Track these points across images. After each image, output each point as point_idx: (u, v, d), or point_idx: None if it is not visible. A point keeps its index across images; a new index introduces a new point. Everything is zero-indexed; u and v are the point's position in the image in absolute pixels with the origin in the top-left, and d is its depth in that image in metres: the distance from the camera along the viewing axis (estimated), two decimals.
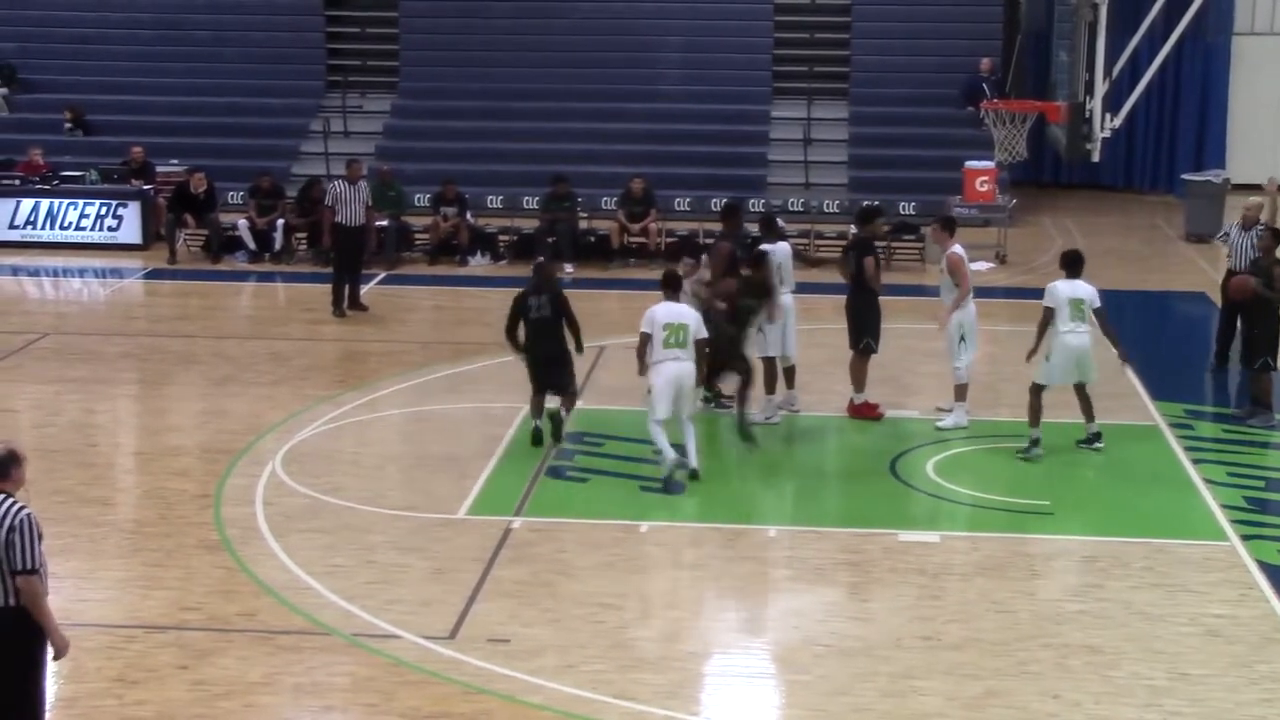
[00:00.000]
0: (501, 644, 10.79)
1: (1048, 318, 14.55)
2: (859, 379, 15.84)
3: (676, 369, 13.81)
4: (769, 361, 15.85)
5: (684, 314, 13.98)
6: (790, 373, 16.06)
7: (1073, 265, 14.87)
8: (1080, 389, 14.81)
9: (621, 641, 10.90)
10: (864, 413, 15.83)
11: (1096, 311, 14.84)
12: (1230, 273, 18.16)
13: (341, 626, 11.08)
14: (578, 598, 11.59)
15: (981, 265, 23.44)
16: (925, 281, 21.33)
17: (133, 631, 10.95)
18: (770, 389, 15.88)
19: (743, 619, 11.50)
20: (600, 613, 11.34)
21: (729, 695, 10.41)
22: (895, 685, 10.28)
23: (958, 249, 15.62)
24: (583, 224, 24.34)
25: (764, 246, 15.85)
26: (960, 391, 15.44)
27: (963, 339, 15.35)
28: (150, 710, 9.86)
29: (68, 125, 28.31)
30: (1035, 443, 14.59)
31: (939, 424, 15.53)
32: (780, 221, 17.49)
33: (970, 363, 15.47)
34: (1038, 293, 16.70)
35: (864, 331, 15.76)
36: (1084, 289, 14.72)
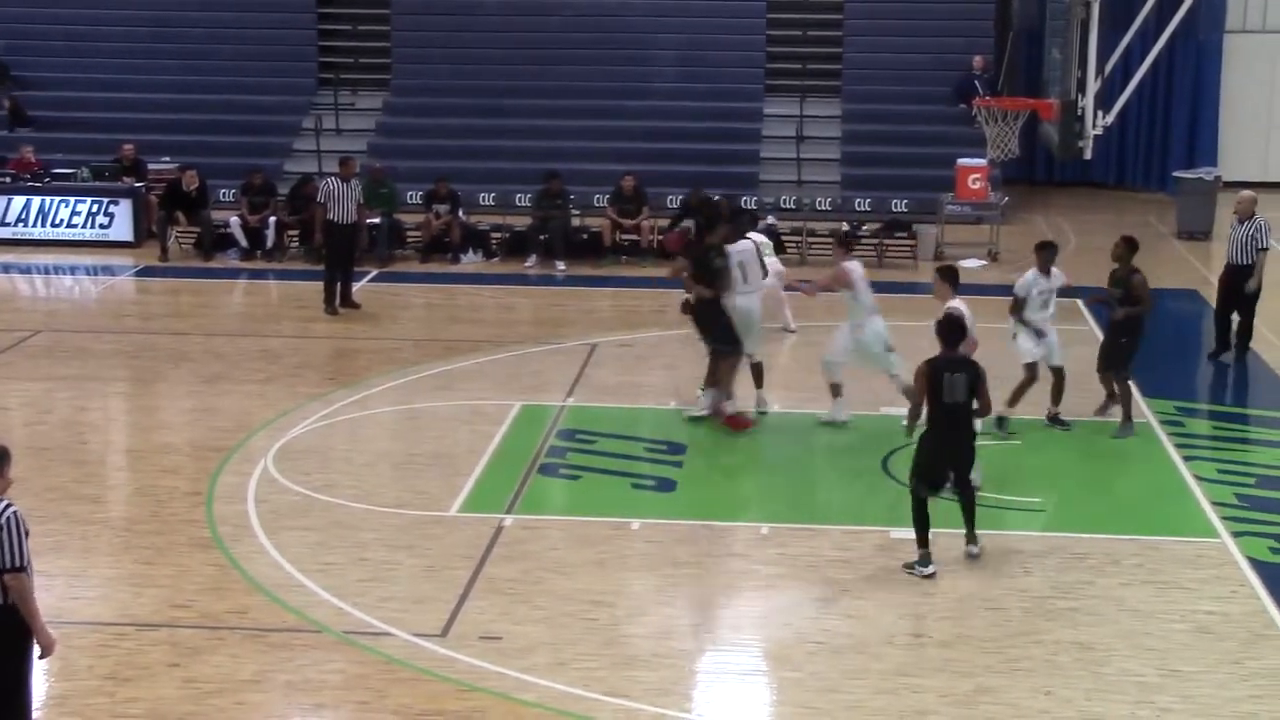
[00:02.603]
0: (493, 641, 10.79)
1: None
2: (728, 386, 15.53)
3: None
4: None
5: None
6: (757, 370, 15.85)
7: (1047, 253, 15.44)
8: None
9: (613, 639, 10.91)
10: (739, 424, 15.44)
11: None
12: (1228, 266, 18.20)
13: (333, 624, 11.08)
14: (570, 595, 11.59)
15: (974, 263, 23.49)
16: (917, 279, 21.37)
17: (124, 629, 10.94)
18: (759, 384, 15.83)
19: (734, 616, 11.50)
20: (592, 610, 11.34)
21: (721, 692, 10.41)
22: (887, 682, 10.29)
23: (846, 264, 15.42)
24: (575, 221, 24.34)
25: (729, 246, 15.71)
26: (910, 391, 15.23)
27: (889, 349, 15.24)
28: (141, 708, 9.85)
29: (4, 114, 28.31)
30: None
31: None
32: (760, 222, 17.45)
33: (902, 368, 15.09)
34: None
35: (722, 334, 15.47)
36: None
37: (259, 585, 11.72)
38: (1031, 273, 15.38)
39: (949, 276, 14.22)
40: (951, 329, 12.32)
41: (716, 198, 23.54)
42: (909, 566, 11.98)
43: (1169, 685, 10.31)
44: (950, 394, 11.92)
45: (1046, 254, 15.43)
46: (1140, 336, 15.52)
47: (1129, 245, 15.62)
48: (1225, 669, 10.57)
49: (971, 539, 12.24)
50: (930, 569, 11.91)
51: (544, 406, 16.24)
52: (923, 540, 12.00)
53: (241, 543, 12.54)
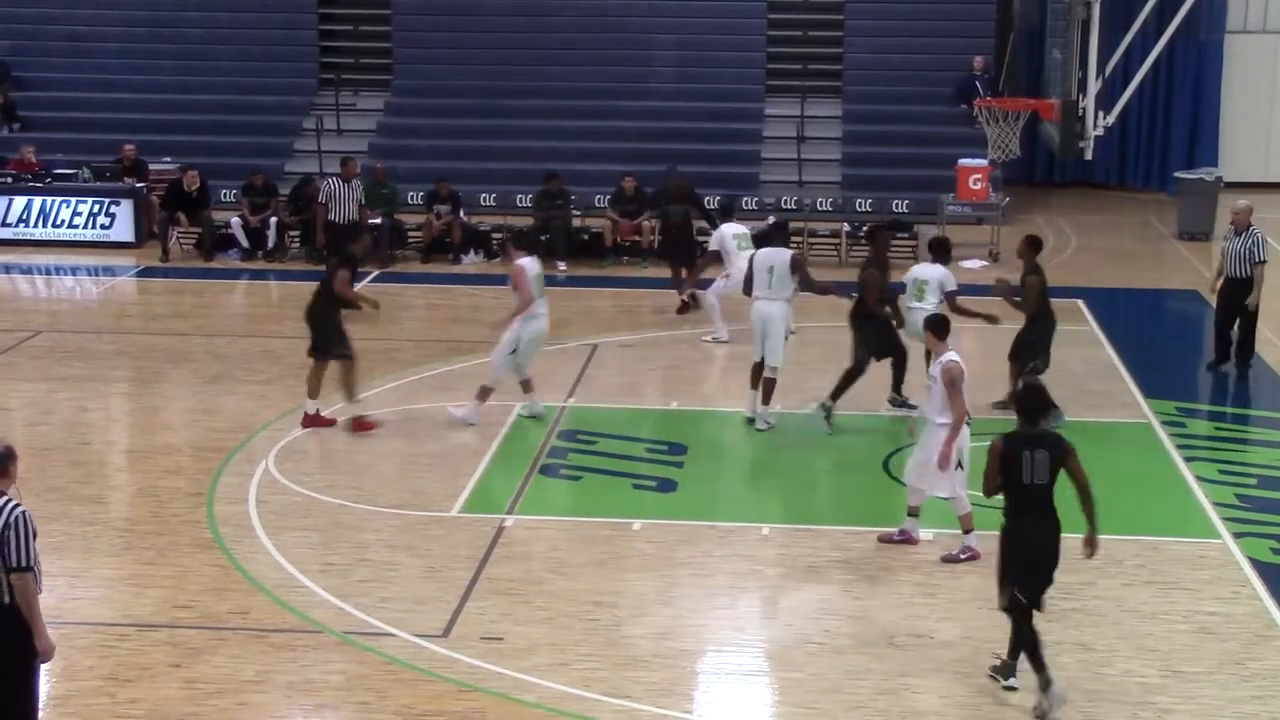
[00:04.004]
0: (494, 642, 10.80)
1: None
2: (315, 387, 15.52)
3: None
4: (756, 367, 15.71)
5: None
6: (768, 385, 15.60)
7: (938, 250, 16.24)
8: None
9: (614, 639, 10.91)
10: (318, 424, 15.44)
11: (948, 295, 15.81)
12: (1226, 279, 17.86)
13: (334, 624, 11.08)
14: (570, 595, 11.59)
15: (974, 263, 23.48)
16: None
17: (125, 630, 10.95)
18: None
19: (736, 616, 11.50)
20: (593, 610, 11.35)
21: (722, 693, 10.42)
22: (888, 683, 10.30)
23: (520, 261, 15.64)
24: (576, 222, 24.34)
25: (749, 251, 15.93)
26: (485, 393, 15.47)
27: (514, 351, 15.43)
28: (143, 709, 9.86)
29: None
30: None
31: (452, 410, 15.58)
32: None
33: (503, 378, 15.52)
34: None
35: (330, 341, 15.49)
36: (934, 271, 16.03)
37: (260, 586, 11.73)
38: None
39: (938, 327, 12.60)
40: (1033, 400, 10.31)
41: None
42: (1039, 713, 9.86)
43: (1171, 686, 10.31)
44: (1032, 475, 9.97)
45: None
46: (1047, 333, 15.80)
47: (1030, 244, 15.93)
48: (1227, 670, 10.58)
49: (1010, 668, 10.22)
50: (1058, 689, 9.80)
51: (545, 407, 16.22)
52: (1037, 662, 9.89)
53: (243, 543, 12.55)
